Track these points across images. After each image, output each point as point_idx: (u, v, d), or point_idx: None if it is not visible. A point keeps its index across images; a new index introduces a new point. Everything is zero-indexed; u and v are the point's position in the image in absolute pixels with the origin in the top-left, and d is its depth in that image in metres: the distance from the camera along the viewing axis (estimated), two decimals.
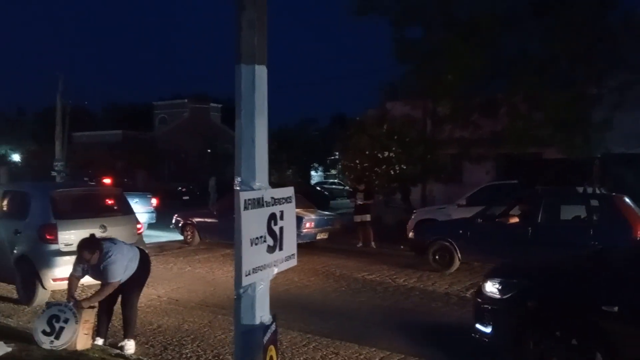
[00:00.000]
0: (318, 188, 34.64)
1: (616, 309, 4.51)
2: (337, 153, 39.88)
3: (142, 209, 16.13)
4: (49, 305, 5.37)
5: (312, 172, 43.48)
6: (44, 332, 5.19)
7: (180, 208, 18.38)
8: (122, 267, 5.53)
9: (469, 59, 13.44)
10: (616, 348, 4.53)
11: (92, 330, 5.55)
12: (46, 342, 5.15)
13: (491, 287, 5.40)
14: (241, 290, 3.57)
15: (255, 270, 3.51)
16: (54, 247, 7.54)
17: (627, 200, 9.32)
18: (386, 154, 16.44)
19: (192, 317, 7.14)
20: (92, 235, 5.65)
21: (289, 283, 9.35)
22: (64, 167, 28.21)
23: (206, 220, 14.25)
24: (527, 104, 14.77)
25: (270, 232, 3.72)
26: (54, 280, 7.42)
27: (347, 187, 34.86)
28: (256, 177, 3.62)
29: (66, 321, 5.22)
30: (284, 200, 3.93)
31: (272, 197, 3.75)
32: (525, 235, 9.49)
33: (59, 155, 28.94)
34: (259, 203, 3.57)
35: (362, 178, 15.95)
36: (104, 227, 7.91)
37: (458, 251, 10.31)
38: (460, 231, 10.41)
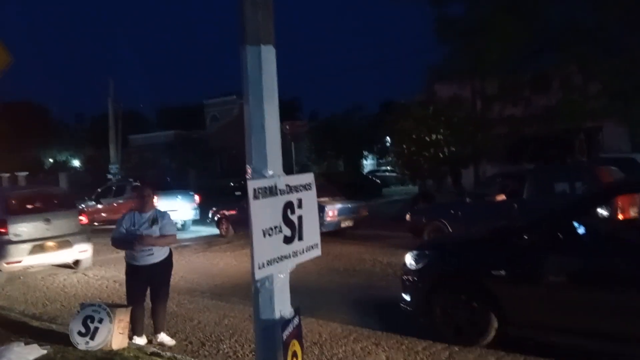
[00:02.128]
0: (370, 176, 34.26)
1: (503, 272, 5.06)
2: (388, 140, 39.34)
3: (185, 206, 16.69)
4: (83, 306, 5.40)
5: (364, 161, 43.00)
6: (80, 333, 5.21)
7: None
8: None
9: (515, 32, 12.72)
10: (505, 308, 5.05)
11: (128, 329, 5.53)
12: (82, 343, 5.17)
13: (409, 259, 5.94)
14: (258, 284, 3.39)
15: (270, 262, 3.30)
16: (5, 237, 9.55)
17: (609, 169, 9.08)
18: (434, 136, 15.91)
19: (234, 312, 7.07)
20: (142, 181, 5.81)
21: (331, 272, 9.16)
22: (118, 170, 29.11)
23: (238, 213, 14.56)
24: (581, 76, 13.87)
25: (287, 221, 3.50)
26: (7, 263, 9.54)
27: (398, 174, 34.33)
28: (268, 165, 3.41)
29: (101, 321, 5.23)
30: (302, 188, 3.70)
31: (288, 185, 3.53)
32: (511, 212, 9.62)
33: (114, 158, 29.86)
34: (271, 191, 3.36)
35: (411, 163, 15.53)
36: (48, 220, 9.99)
37: (450, 230, 10.60)
38: (452, 211, 10.86)
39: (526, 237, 5.04)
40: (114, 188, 18.87)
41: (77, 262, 10.93)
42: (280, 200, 3.45)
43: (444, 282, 5.58)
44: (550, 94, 14.61)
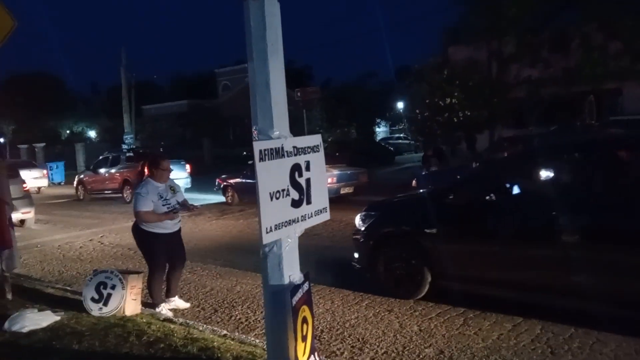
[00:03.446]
0: (382, 144, 33.96)
1: (434, 231, 5.46)
2: (399, 107, 38.83)
3: (178, 174, 17.04)
4: (95, 272, 5.38)
5: (377, 128, 42.62)
6: (93, 299, 5.21)
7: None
8: None
9: None
10: (436, 263, 5.47)
11: (141, 295, 5.52)
12: (95, 309, 5.17)
13: (358, 220, 6.39)
14: (266, 249, 3.30)
15: (278, 226, 3.21)
16: None
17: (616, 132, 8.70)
18: (448, 100, 15.55)
19: (246, 278, 7.06)
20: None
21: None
22: (133, 140, 29.17)
23: (242, 181, 14.88)
24: (602, 34, 13.36)
25: (295, 184, 3.39)
26: None
27: (412, 142, 33.96)
28: (274, 125, 3.27)
29: (113, 287, 5.22)
30: (309, 150, 3.57)
31: (295, 147, 3.40)
32: None
33: (128, 128, 29.93)
34: (278, 153, 3.23)
35: (424, 129, 15.25)
36: None
37: None
38: (458, 177, 10.34)
39: (451, 198, 5.52)
40: (110, 158, 19.62)
41: (22, 222, 12.83)
42: (287, 163, 3.33)
43: (385, 240, 5.99)
44: (570, 54, 14.12)
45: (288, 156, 3.33)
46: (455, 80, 15.37)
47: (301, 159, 3.46)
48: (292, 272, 3.37)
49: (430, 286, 5.54)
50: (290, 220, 3.32)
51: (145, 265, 5.88)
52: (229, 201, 15.32)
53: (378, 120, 39.90)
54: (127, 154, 19.09)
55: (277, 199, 3.21)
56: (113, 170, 18.60)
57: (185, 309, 5.86)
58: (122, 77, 30.54)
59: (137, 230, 5.66)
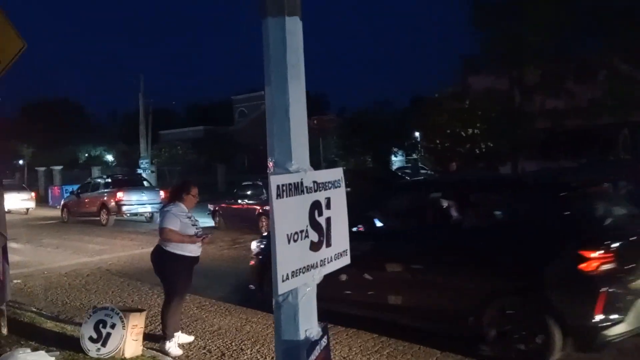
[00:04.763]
0: (399, 173, 33.47)
1: None
2: (416, 135, 38.41)
3: (152, 200, 18.97)
4: (95, 310, 4.99)
5: (393, 157, 42.18)
6: (91, 339, 4.82)
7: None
8: None
9: (557, 15, 11.83)
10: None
11: (142, 335, 5.11)
12: (92, 350, 4.78)
13: (253, 245, 7.21)
14: (280, 298, 2.88)
15: (295, 273, 2.80)
16: None
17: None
18: (469, 131, 15.09)
19: (256, 316, 6.61)
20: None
21: None
22: (148, 165, 29.13)
23: (229, 207, 15.62)
24: (629, 63, 12.91)
25: (314, 224, 2.98)
26: None
27: (428, 171, 33.44)
28: (292, 157, 2.88)
29: (113, 326, 4.83)
30: (330, 185, 3.18)
31: (315, 181, 3.01)
32: None
33: (144, 153, 29.92)
34: (297, 189, 2.84)
35: (445, 159, 14.81)
36: None
37: None
38: None
39: None
40: (91, 183, 21.16)
41: None
42: (307, 200, 2.93)
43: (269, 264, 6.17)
44: (595, 85, 13.67)
45: (308, 192, 2.94)
46: (476, 110, 14.98)
47: (321, 196, 3.07)
48: (309, 325, 2.94)
49: None
50: (308, 265, 2.92)
51: (155, 296, 5.57)
52: (216, 225, 15.89)
53: (394, 149, 39.47)
54: (105, 180, 20.34)
55: (294, 241, 2.81)
56: (92, 195, 19.71)
57: (190, 343, 5.61)
58: (140, 103, 30.70)
59: (158, 253, 5.47)
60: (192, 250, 5.49)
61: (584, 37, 13.51)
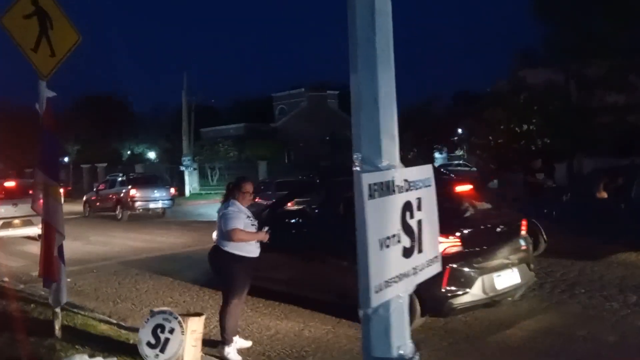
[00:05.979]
0: (442, 170, 32.73)
1: None
2: (460, 132, 37.48)
3: (161, 197, 20.87)
4: (152, 313, 4.77)
5: (436, 154, 41.36)
6: (149, 344, 4.61)
7: None
8: None
9: (628, 6, 11.09)
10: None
11: (201, 340, 4.87)
12: (151, 355, 4.56)
13: (214, 235, 6.98)
14: (369, 311, 2.55)
15: (388, 283, 2.46)
16: None
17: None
18: (525, 127, 14.38)
19: (314, 320, 6.31)
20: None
21: None
22: (190, 162, 29.31)
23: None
24: None
25: (406, 228, 2.64)
26: None
27: (473, 168, 32.57)
28: (382, 153, 2.54)
29: (172, 331, 4.60)
30: (420, 184, 2.83)
31: (406, 180, 2.67)
32: (617, 211, 8.82)
33: (186, 150, 30.14)
34: (388, 188, 2.50)
35: (498, 157, 14.16)
36: (15, 204, 13.36)
37: (543, 232, 9.34)
38: (546, 211, 9.62)
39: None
40: (109, 180, 22.41)
41: (40, 236, 13.49)
42: (398, 200, 2.59)
43: None
44: None
45: (399, 192, 2.60)
46: (533, 105, 14.26)
47: (412, 196, 2.73)
48: (401, 341, 2.60)
49: None
50: (401, 274, 2.58)
51: (207, 297, 5.36)
52: None
53: (437, 146, 38.68)
54: (120, 178, 21.62)
55: (387, 247, 2.48)
56: (110, 192, 21.12)
57: (248, 348, 5.39)
58: (183, 101, 30.93)
59: (218, 254, 5.31)
60: (251, 251, 5.31)
61: None
